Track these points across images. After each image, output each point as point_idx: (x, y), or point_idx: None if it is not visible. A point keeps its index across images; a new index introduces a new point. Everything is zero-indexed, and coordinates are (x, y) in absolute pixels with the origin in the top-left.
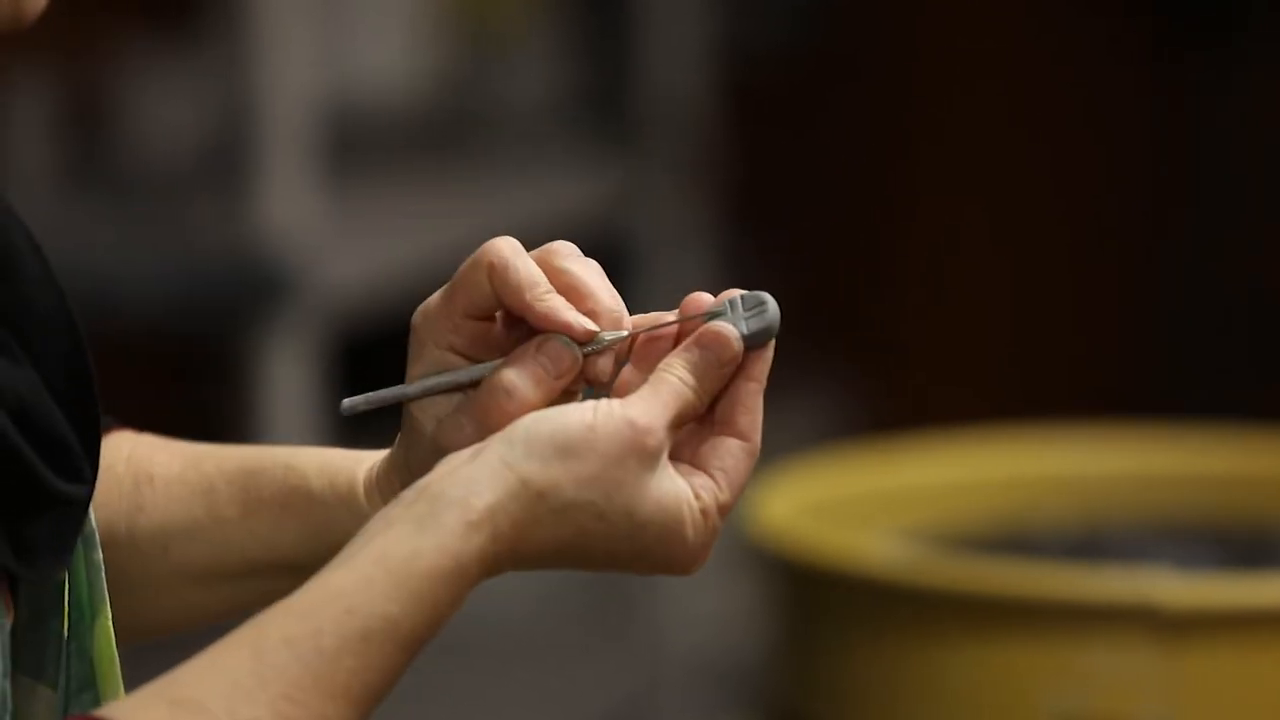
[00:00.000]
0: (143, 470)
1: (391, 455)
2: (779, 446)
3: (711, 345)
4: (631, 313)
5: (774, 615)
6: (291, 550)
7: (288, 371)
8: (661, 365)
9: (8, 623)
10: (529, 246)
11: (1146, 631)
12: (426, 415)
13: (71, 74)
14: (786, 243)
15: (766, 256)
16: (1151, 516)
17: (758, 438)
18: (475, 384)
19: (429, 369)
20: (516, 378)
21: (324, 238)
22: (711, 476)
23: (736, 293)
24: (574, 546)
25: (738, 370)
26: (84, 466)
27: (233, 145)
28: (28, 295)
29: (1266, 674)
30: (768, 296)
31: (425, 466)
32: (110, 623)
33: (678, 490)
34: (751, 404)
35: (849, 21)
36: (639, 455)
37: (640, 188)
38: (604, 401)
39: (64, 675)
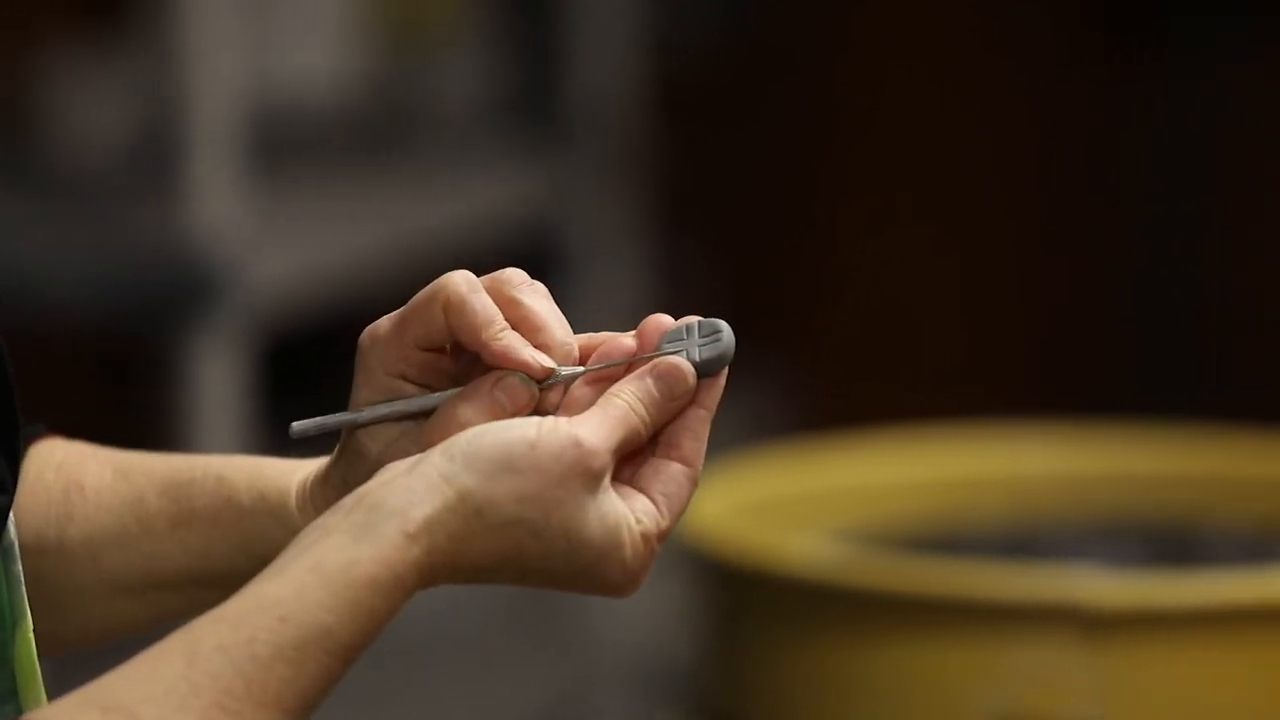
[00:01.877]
0: (73, 479)
1: (327, 470)
2: (710, 446)
3: (665, 378)
4: (575, 326)
5: (705, 615)
6: (221, 562)
7: (216, 372)
8: (614, 389)
9: None
10: (461, 248)
11: (1075, 631)
12: (373, 439)
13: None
14: (718, 241)
15: (698, 255)
16: (1081, 516)
17: (700, 464)
18: (426, 414)
19: (377, 394)
20: (472, 413)
21: (252, 238)
22: (653, 500)
23: (694, 319)
24: (510, 562)
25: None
26: (4, 476)
27: (161, 145)
28: None
29: (1194, 672)
30: (724, 325)
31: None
32: (31, 633)
33: (618, 513)
34: (699, 430)
35: (782, 17)
36: (582, 476)
37: (571, 187)
38: (550, 419)
39: None
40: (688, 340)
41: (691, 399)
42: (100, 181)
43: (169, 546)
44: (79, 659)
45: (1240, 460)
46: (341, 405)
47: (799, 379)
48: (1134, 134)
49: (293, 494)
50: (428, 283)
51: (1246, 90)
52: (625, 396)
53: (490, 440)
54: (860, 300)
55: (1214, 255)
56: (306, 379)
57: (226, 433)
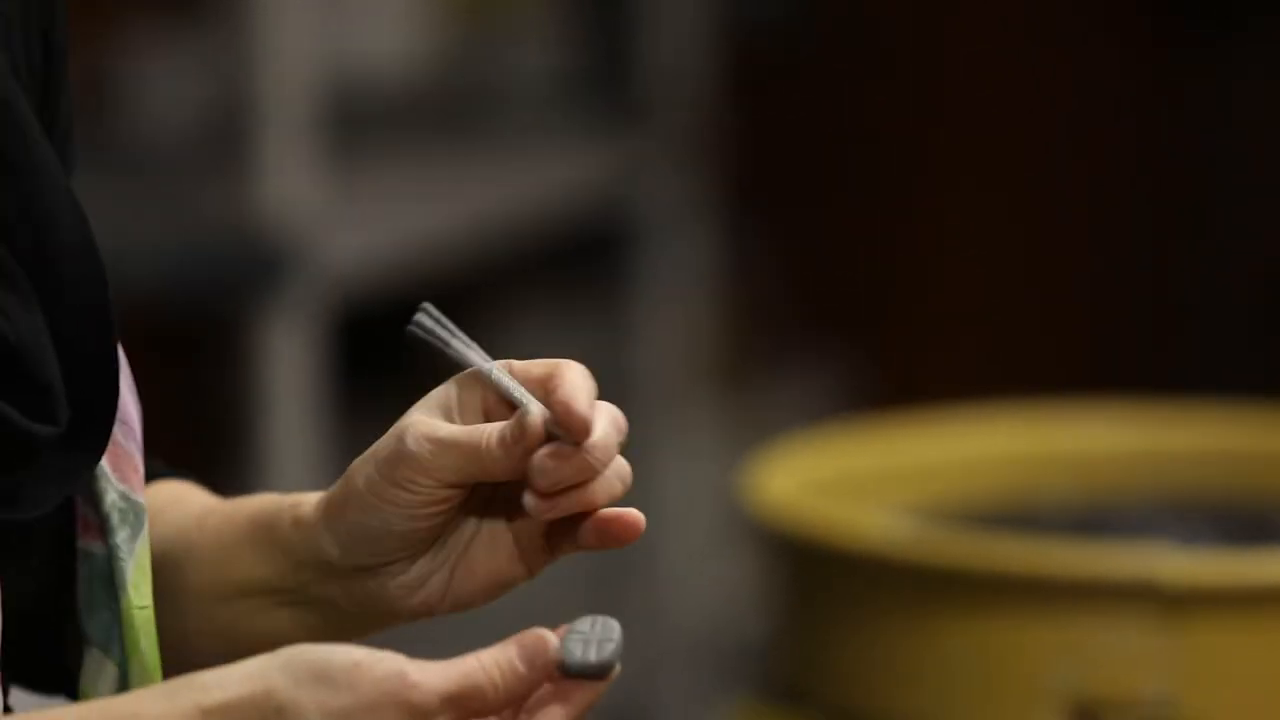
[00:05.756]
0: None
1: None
2: (780, 422)
3: (526, 646)
4: (642, 305)
5: (775, 592)
6: (254, 571)
7: (288, 350)
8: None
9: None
10: (532, 225)
11: (1150, 608)
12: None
13: (73, 52)
14: (790, 218)
15: (769, 232)
16: (1155, 493)
17: None
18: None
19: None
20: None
21: (325, 215)
22: None
23: (599, 618)
24: None
25: (562, 689)
26: (60, 410)
27: (235, 123)
28: (57, 252)
29: (1269, 651)
30: (617, 633)
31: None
32: (137, 609)
33: None
34: None
35: None
36: (398, 706)
37: (643, 164)
38: (387, 652)
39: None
40: (590, 633)
41: (562, 693)
42: (174, 160)
43: (193, 563)
44: None
45: None
46: (415, 384)
47: (869, 355)
48: (1205, 111)
49: (313, 500)
50: (498, 260)
51: None
52: (482, 656)
53: (314, 652)
54: (934, 276)
55: None
56: (378, 358)
57: (298, 411)
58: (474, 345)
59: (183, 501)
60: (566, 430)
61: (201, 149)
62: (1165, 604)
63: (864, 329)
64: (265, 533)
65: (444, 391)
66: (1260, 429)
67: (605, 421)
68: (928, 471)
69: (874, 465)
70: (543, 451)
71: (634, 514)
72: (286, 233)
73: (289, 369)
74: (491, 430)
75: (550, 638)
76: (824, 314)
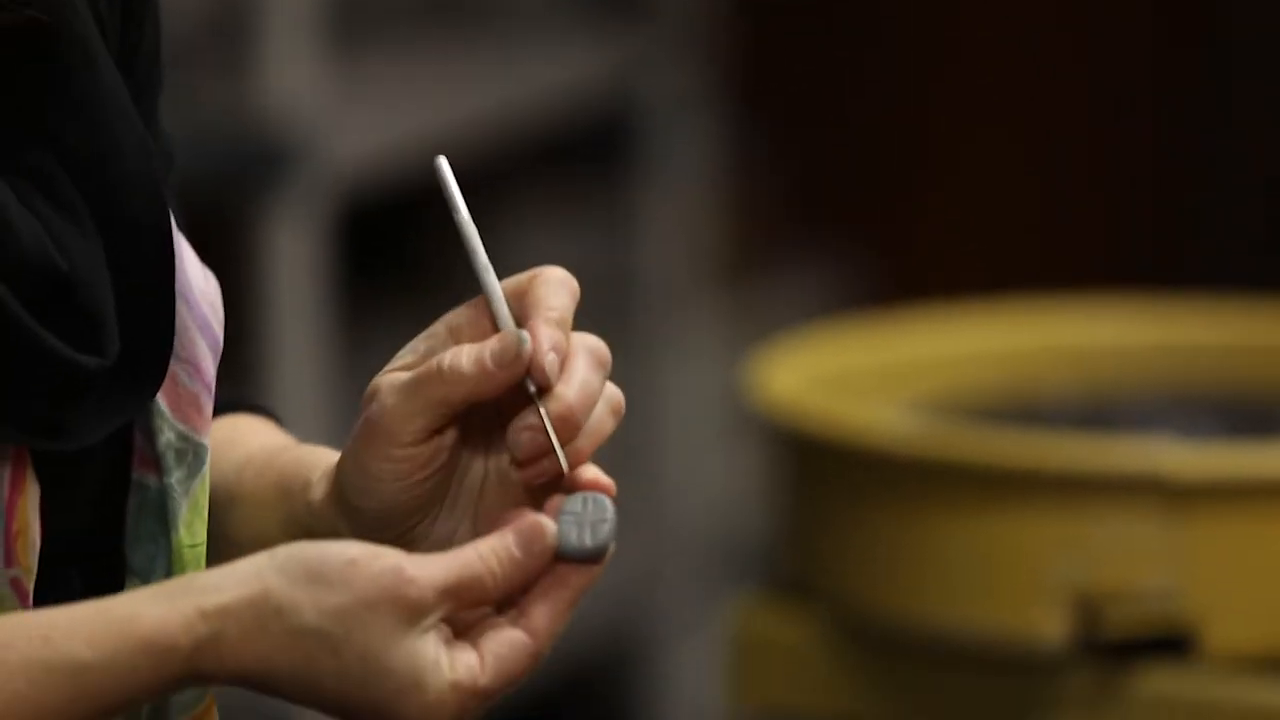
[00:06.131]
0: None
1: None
2: (783, 318)
3: (523, 533)
4: (645, 207)
5: (778, 489)
6: (267, 540)
7: (292, 244)
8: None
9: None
10: (537, 120)
11: (1153, 502)
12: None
13: None
14: (793, 114)
15: (772, 128)
16: (1158, 387)
17: (547, 642)
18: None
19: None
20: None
21: (330, 110)
22: (480, 657)
23: (592, 495)
24: (304, 674)
25: (558, 574)
26: (110, 343)
27: (239, 18)
28: (119, 184)
29: (1272, 543)
30: (610, 513)
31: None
32: (188, 548)
33: (430, 653)
34: (556, 609)
35: None
36: (395, 603)
37: (646, 60)
38: (383, 547)
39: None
40: (582, 513)
41: (560, 576)
42: (178, 56)
43: (235, 515)
44: None
45: None
46: (419, 280)
47: (871, 251)
48: (1205, 111)
49: (321, 479)
50: (501, 155)
51: None
52: (479, 545)
53: (311, 550)
54: (936, 170)
55: None
56: (382, 252)
57: (302, 306)
58: (475, 230)
59: (234, 444)
60: (533, 381)
61: (205, 45)
62: (1169, 497)
63: (866, 224)
64: (287, 503)
65: (410, 347)
66: (1264, 322)
67: (583, 366)
68: (930, 366)
69: (877, 361)
70: (518, 424)
71: (607, 485)
72: (290, 128)
73: (293, 264)
74: (455, 351)
75: (547, 524)
76: (826, 209)
